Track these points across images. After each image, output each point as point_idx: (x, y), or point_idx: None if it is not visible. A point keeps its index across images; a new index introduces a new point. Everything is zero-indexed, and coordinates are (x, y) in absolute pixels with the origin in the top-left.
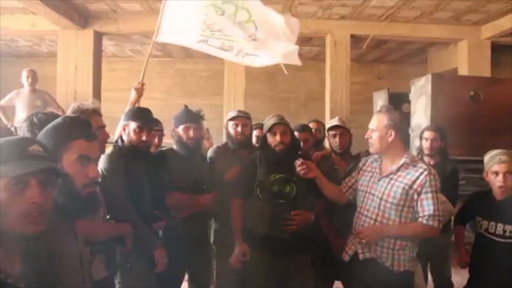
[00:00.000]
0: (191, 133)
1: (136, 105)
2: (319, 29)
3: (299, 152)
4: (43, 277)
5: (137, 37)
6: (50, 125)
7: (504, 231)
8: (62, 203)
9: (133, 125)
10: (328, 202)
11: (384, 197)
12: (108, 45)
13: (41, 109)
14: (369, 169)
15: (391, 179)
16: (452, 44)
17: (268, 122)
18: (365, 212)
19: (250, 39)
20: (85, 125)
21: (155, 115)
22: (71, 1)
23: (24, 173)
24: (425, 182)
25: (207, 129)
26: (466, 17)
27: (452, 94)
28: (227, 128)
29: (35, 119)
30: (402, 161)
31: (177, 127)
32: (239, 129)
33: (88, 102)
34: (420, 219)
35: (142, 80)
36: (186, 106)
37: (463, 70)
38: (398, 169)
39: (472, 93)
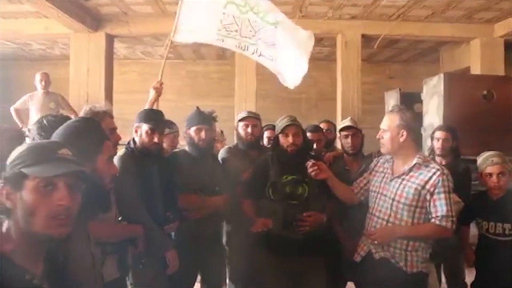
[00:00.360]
0: (202, 134)
1: (155, 104)
2: (330, 29)
3: (312, 153)
4: (63, 278)
5: (148, 39)
6: (80, 128)
7: (504, 230)
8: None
9: (145, 127)
10: (340, 203)
11: (396, 198)
12: (119, 48)
13: (54, 112)
14: (381, 169)
15: (403, 179)
16: (464, 43)
17: (281, 123)
18: (377, 213)
19: (269, 44)
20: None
21: (167, 117)
22: (83, 5)
23: (53, 175)
24: (438, 182)
25: (222, 132)
26: (478, 15)
27: (465, 94)
28: (237, 129)
29: (44, 122)
30: (414, 161)
31: (189, 128)
32: (249, 129)
33: (100, 104)
34: (433, 220)
35: (161, 79)
36: (198, 107)
37: (476, 69)
38: (410, 170)
39: (485, 92)
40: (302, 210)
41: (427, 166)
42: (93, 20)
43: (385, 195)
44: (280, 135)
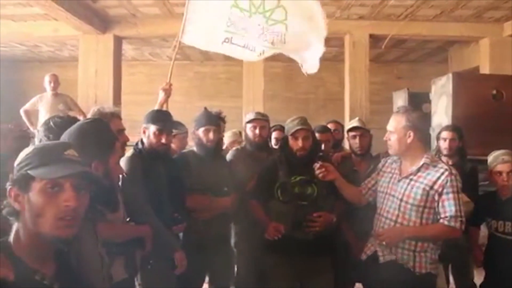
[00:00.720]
0: (211, 135)
1: (164, 105)
2: (337, 30)
3: (320, 154)
4: (73, 278)
5: (156, 40)
6: (92, 128)
7: None
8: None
9: (152, 128)
10: (348, 204)
11: (404, 198)
12: (127, 49)
13: (63, 113)
14: (388, 170)
15: (411, 180)
16: (473, 42)
17: (291, 124)
18: (385, 214)
19: (277, 43)
20: None
21: (175, 118)
22: (91, 6)
23: (59, 176)
24: (446, 182)
25: (240, 132)
26: (487, 14)
27: (474, 93)
28: (245, 131)
29: (51, 123)
30: (422, 162)
31: (197, 129)
32: (257, 131)
33: (109, 105)
34: (441, 220)
35: (170, 80)
36: (205, 108)
37: (485, 69)
38: (418, 170)
39: (494, 91)
40: (312, 210)
41: (435, 166)
42: (101, 22)
43: (393, 196)
44: (289, 137)
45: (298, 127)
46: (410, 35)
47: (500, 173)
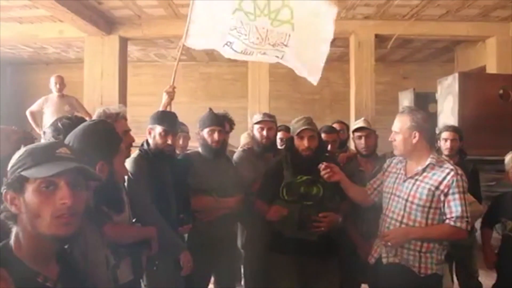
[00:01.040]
0: (215, 136)
1: (168, 108)
2: (343, 30)
3: (326, 154)
4: (78, 280)
5: (161, 41)
6: (98, 129)
7: None
8: (92, 206)
9: (158, 128)
10: (353, 204)
11: (410, 199)
12: (133, 50)
13: (69, 114)
14: (394, 170)
15: (416, 180)
16: (480, 41)
17: (296, 125)
18: (391, 214)
19: (279, 45)
20: None
21: (180, 118)
22: (96, 8)
23: (52, 174)
24: (452, 182)
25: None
26: (494, 14)
27: (481, 93)
28: (252, 132)
29: (59, 124)
30: (427, 162)
31: (202, 130)
32: (264, 132)
33: (114, 106)
34: (447, 221)
35: (173, 83)
36: (210, 109)
37: (492, 68)
38: (423, 170)
39: (501, 91)
40: (317, 210)
41: (440, 167)
42: (106, 23)
43: (399, 196)
44: (295, 137)
45: (304, 127)
46: (416, 35)
47: None
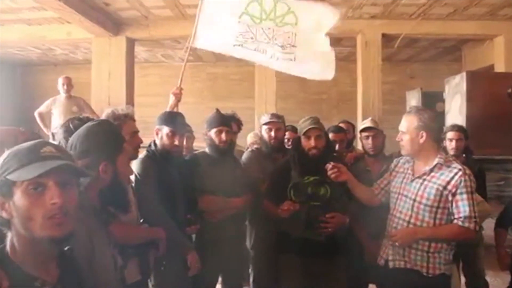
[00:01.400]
0: (223, 136)
1: (175, 109)
2: (349, 29)
3: (334, 154)
4: (79, 284)
5: (168, 42)
6: (100, 129)
7: None
8: (97, 207)
9: (165, 129)
10: (360, 205)
11: (418, 199)
12: (140, 51)
13: (77, 115)
14: (401, 170)
15: (424, 180)
16: (487, 40)
17: (303, 125)
18: (398, 214)
19: (288, 47)
20: None
21: (187, 119)
22: (103, 9)
23: (37, 175)
24: (460, 182)
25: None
26: (502, 12)
27: (489, 92)
28: (261, 132)
29: (71, 125)
30: (435, 162)
31: (209, 130)
32: (272, 133)
33: (122, 107)
34: (455, 221)
35: (180, 85)
36: (217, 109)
37: (500, 67)
38: (431, 170)
39: (509, 90)
40: (325, 211)
41: (448, 166)
42: (114, 24)
43: (406, 196)
44: (302, 137)
45: (310, 126)
46: (423, 34)
47: None
